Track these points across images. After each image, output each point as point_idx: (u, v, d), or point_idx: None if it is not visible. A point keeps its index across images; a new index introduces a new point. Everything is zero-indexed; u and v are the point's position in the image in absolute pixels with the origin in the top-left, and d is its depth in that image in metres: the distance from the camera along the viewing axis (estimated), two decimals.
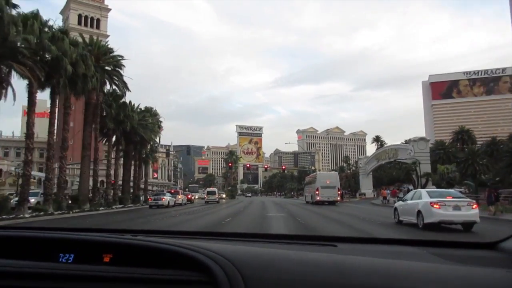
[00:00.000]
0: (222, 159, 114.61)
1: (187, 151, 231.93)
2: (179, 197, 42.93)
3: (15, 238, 1.53)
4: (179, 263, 1.23)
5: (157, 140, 48.20)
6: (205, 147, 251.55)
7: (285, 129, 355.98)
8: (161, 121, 49.20)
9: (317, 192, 43.15)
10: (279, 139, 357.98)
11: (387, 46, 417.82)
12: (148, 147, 47.49)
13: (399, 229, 15.77)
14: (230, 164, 79.04)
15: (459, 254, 1.57)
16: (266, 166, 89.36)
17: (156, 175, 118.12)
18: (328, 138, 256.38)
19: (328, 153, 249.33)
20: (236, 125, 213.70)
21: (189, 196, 51.54)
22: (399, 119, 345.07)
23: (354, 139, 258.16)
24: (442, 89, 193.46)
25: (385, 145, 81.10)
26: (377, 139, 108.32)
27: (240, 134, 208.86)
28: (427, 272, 1.20)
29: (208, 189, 55.73)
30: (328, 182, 43.60)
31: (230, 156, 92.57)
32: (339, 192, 44.49)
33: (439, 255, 1.50)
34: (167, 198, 36.96)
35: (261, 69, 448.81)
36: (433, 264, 1.32)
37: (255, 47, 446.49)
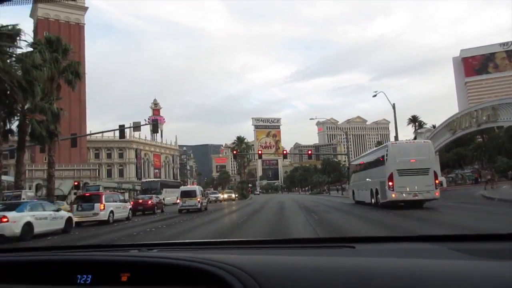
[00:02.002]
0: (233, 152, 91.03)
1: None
2: (100, 207, 19.15)
3: (31, 262, 1.45)
4: (197, 278, 1.18)
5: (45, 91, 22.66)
6: (223, 145, 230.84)
7: (304, 124, 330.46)
8: (79, 63, 24.61)
9: (390, 184, 19.31)
10: (298, 134, 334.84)
11: (405, 31, 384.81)
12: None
13: None
14: (234, 152, 54.96)
15: (479, 248, 1.48)
16: (284, 152, 64.37)
17: (158, 174, 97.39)
18: (349, 128, 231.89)
19: (350, 144, 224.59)
20: (252, 118, 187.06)
21: (150, 202, 27.38)
22: (423, 105, 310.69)
23: (377, 128, 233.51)
24: (476, 65, 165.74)
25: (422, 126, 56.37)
26: (414, 120, 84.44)
27: (256, 127, 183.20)
28: (450, 271, 1.13)
29: (183, 188, 30.00)
30: (413, 160, 19.52)
31: (239, 144, 67.57)
32: (436, 181, 19.92)
33: (460, 250, 1.41)
34: (19, 216, 13.17)
35: (276, 64, 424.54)
36: (454, 261, 1.27)
37: (269, 42, 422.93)
